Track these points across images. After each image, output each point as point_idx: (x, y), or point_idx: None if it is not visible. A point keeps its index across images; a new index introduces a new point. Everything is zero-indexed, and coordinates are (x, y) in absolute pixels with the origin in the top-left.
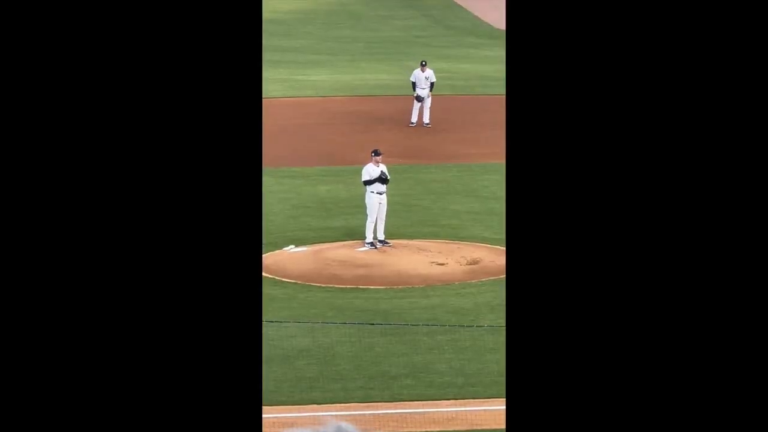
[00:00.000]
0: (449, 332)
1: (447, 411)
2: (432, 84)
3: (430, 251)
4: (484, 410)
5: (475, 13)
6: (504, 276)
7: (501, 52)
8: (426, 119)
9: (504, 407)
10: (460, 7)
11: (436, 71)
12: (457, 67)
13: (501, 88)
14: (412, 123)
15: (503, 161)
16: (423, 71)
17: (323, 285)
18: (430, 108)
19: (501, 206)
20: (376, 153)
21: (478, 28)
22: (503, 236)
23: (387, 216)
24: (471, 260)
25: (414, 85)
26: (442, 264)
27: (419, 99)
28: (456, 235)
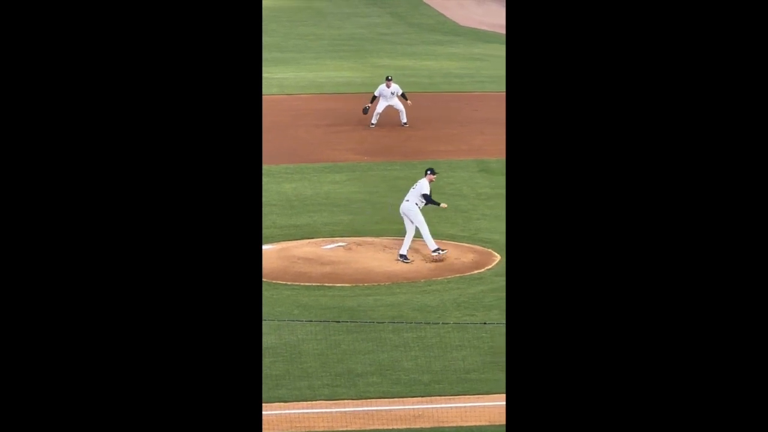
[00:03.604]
0: (415, 329)
1: (413, 408)
2: (402, 94)
3: (396, 249)
4: (450, 407)
5: (440, 10)
6: (469, 273)
7: (465, 49)
8: (404, 119)
9: (470, 404)
10: (425, 4)
11: (400, 68)
12: (422, 65)
13: (465, 86)
14: (372, 125)
15: (469, 158)
16: (389, 86)
17: (289, 283)
18: (405, 108)
19: (466, 203)
20: (433, 172)
21: (442, 25)
22: (468, 233)
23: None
24: (436, 257)
25: (374, 98)
26: (408, 261)
27: (405, 97)
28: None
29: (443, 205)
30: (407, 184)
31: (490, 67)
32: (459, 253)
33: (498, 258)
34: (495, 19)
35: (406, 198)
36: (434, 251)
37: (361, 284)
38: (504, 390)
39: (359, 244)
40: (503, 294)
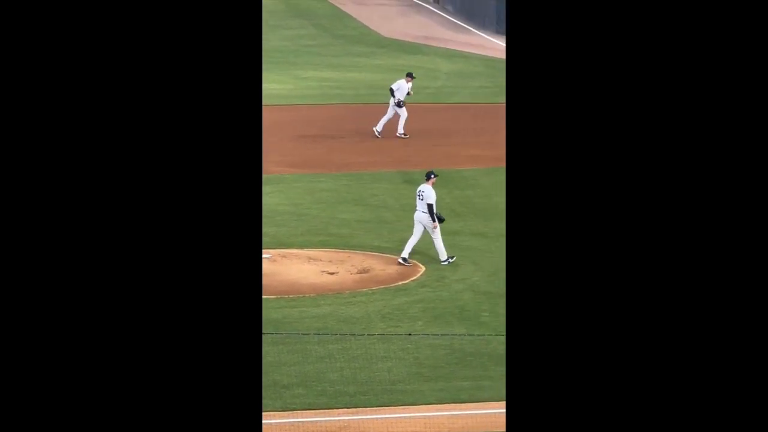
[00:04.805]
0: (340, 341)
1: (339, 420)
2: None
3: (320, 260)
4: (376, 418)
5: (364, 22)
6: (393, 284)
7: (389, 61)
8: (401, 129)
9: (396, 415)
10: (349, 16)
11: (324, 80)
12: (346, 76)
13: (388, 97)
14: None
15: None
16: (408, 82)
17: None
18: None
19: (391, 215)
20: (434, 175)
21: (366, 36)
22: (393, 245)
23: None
24: (361, 269)
25: (392, 91)
26: (333, 273)
27: (400, 105)
28: (346, 243)
29: (435, 224)
30: (332, 196)
31: (414, 79)
32: (383, 265)
33: (422, 269)
34: (419, 30)
35: (419, 209)
36: (444, 261)
37: (286, 296)
38: (429, 401)
39: (284, 256)
40: (428, 305)
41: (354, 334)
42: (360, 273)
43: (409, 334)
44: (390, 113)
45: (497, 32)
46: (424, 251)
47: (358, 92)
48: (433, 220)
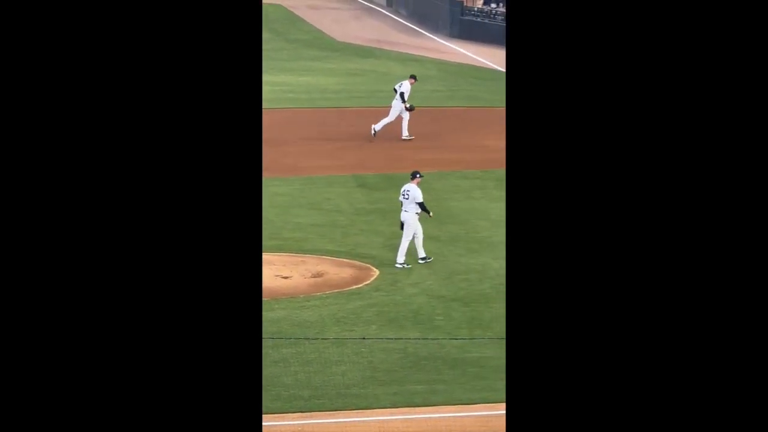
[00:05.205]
0: (294, 345)
1: (293, 424)
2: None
3: (274, 264)
4: (331, 422)
5: (317, 26)
6: (347, 288)
7: (342, 65)
8: (405, 132)
9: (350, 419)
10: (302, 20)
11: (278, 85)
12: (299, 80)
13: (341, 101)
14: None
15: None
16: (412, 83)
17: None
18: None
19: (344, 219)
20: (419, 174)
21: (319, 40)
22: (346, 249)
23: None
24: (315, 273)
25: (401, 94)
26: (287, 277)
27: (411, 109)
28: (300, 247)
29: (431, 215)
30: (285, 200)
31: (367, 83)
32: (337, 269)
33: (376, 273)
34: (372, 34)
35: (404, 209)
36: (400, 264)
37: None
38: (383, 405)
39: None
40: (382, 309)
41: (308, 338)
42: (314, 277)
43: (363, 338)
44: (392, 116)
45: (450, 36)
46: (379, 255)
47: (312, 96)
48: (428, 212)
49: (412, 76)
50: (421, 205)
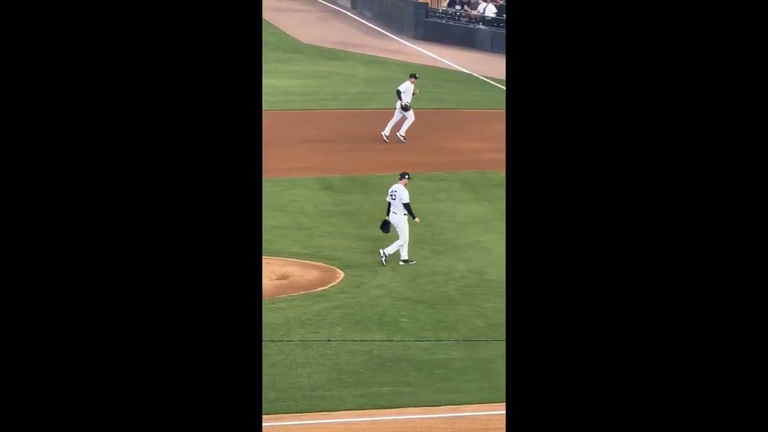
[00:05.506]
0: None
1: None
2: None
3: None
4: (296, 425)
5: (282, 28)
6: (313, 290)
7: (307, 67)
8: (403, 132)
9: (316, 421)
10: (267, 21)
11: None
12: (265, 83)
13: (306, 103)
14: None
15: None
16: (412, 82)
17: None
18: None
19: (309, 221)
20: (409, 176)
21: (284, 42)
22: (312, 251)
23: None
24: (280, 275)
25: (399, 94)
26: (413, 263)
27: (406, 108)
28: (265, 249)
29: (417, 219)
30: None
31: (333, 85)
32: (303, 271)
33: (341, 275)
34: (337, 36)
35: (393, 210)
36: (404, 261)
37: None
38: (349, 407)
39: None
40: (347, 311)
41: (273, 340)
42: (279, 279)
43: (329, 340)
44: (397, 117)
45: (415, 38)
46: (344, 257)
47: (276, 98)
48: (413, 216)
49: (412, 75)
50: (406, 206)
